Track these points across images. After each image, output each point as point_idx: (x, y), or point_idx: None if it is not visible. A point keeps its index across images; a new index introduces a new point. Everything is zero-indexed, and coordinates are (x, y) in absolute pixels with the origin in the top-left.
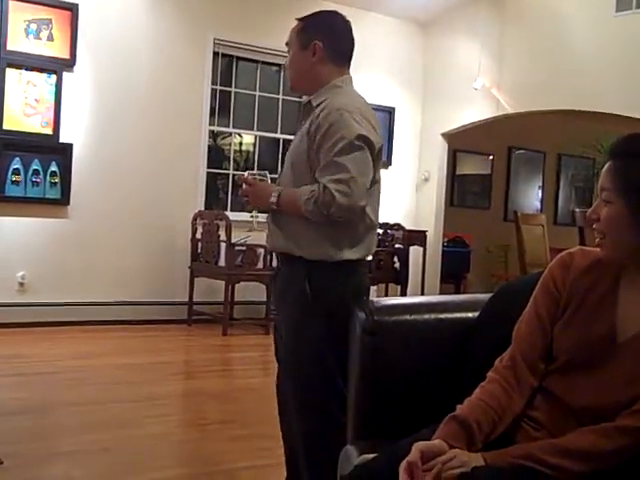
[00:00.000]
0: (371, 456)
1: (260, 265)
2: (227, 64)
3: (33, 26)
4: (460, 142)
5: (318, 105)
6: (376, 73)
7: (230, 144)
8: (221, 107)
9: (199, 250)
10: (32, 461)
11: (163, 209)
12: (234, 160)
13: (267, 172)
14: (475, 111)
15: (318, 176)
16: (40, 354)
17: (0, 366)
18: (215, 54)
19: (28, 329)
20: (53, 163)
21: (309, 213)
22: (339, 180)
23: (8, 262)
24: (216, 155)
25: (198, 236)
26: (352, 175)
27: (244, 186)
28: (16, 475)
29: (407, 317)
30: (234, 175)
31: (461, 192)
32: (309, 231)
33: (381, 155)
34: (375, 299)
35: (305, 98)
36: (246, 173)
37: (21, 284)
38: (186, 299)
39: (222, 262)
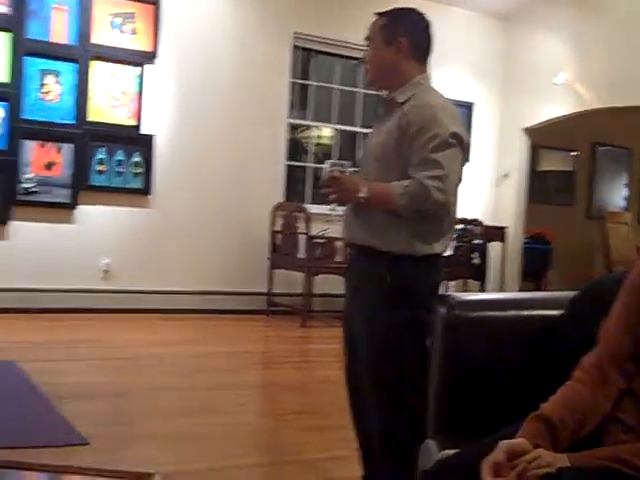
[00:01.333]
0: (452, 452)
1: (339, 258)
2: (306, 57)
3: (118, 20)
4: (541, 138)
5: (405, 101)
6: (455, 68)
7: (309, 137)
8: (300, 100)
9: (278, 242)
10: (116, 443)
11: (243, 200)
12: (313, 153)
13: (346, 162)
14: (557, 106)
15: (412, 172)
16: (122, 340)
17: (84, 350)
18: (295, 48)
19: (111, 315)
20: (136, 154)
21: (402, 207)
22: (435, 177)
23: (93, 249)
24: (295, 148)
25: (277, 228)
26: (446, 172)
27: (325, 178)
28: (101, 456)
29: (489, 313)
30: (314, 168)
31: (543, 188)
32: (395, 225)
33: (469, 153)
34: (456, 294)
35: (385, 93)
36: (326, 163)
37: (105, 271)
38: (265, 290)
39: (301, 254)
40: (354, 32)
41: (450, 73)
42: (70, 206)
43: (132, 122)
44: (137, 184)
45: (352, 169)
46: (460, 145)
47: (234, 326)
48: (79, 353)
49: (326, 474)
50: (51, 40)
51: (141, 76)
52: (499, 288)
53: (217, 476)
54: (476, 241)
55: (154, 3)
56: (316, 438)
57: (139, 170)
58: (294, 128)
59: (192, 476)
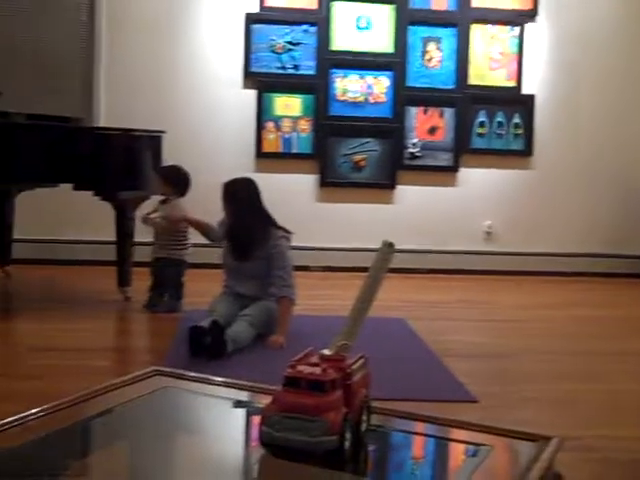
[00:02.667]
0: None
1: None
2: None
3: None
4: None
5: None
6: None
7: None
8: None
9: None
10: (504, 403)
11: (627, 160)
12: None
13: None
14: None
15: None
16: (505, 301)
17: (469, 310)
18: None
19: (493, 277)
20: (516, 115)
21: None
22: None
23: (475, 211)
24: None
25: None
26: None
27: None
28: (492, 414)
29: None
30: None
31: None
32: None
33: None
34: None
35: None
36: None
37: (487, 233)
38: None
39: None
40: None
41: None
42: (453, 169)
43: (511, 83)
44: (518, 145)
45: None
46: None
47: (614, 290)
48: (464, 313)
49: None
50: (433, 7)
51: (520, 36)
52: None
53: (605, 445)
54: None
55: None
56: None
57: (520, 131)
58: None
59: (579, 442)
